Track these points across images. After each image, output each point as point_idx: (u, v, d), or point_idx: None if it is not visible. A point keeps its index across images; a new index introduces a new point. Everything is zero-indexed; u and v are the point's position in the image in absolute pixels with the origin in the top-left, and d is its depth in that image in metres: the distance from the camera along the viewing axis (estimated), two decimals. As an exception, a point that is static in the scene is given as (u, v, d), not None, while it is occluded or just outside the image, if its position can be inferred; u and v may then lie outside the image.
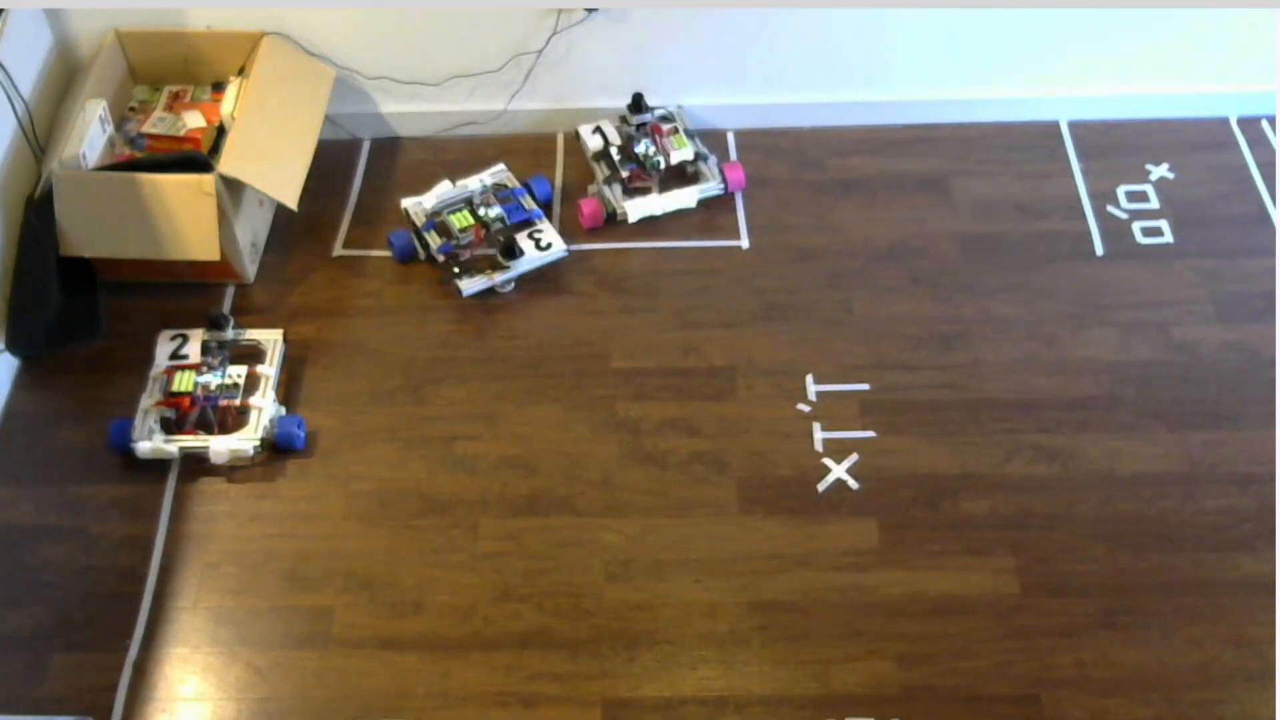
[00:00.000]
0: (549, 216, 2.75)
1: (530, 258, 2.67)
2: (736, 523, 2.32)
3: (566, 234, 2.80)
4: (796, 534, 2.30)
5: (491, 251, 2.66)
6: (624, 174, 2.84)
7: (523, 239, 2.68)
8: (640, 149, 2.84)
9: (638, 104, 2.90)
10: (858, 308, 2.66)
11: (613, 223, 2.83)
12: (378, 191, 2.95)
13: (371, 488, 2.39)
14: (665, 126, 2.91)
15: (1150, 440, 2.42)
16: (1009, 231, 2.81)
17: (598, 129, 2.93)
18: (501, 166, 2.85)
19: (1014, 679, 2.10)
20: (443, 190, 2.76)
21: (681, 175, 2.89)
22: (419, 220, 2.72)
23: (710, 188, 2.86)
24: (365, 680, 2.13)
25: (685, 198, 2.84)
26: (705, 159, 2.88)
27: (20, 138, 2.63)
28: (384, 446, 2.45)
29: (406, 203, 2.76)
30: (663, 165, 2.84)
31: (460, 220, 2.69)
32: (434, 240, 2.68)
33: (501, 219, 2.71)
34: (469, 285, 2.63)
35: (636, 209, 2.81)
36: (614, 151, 2.87)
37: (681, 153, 2.86)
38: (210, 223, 2.53)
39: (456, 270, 2.63)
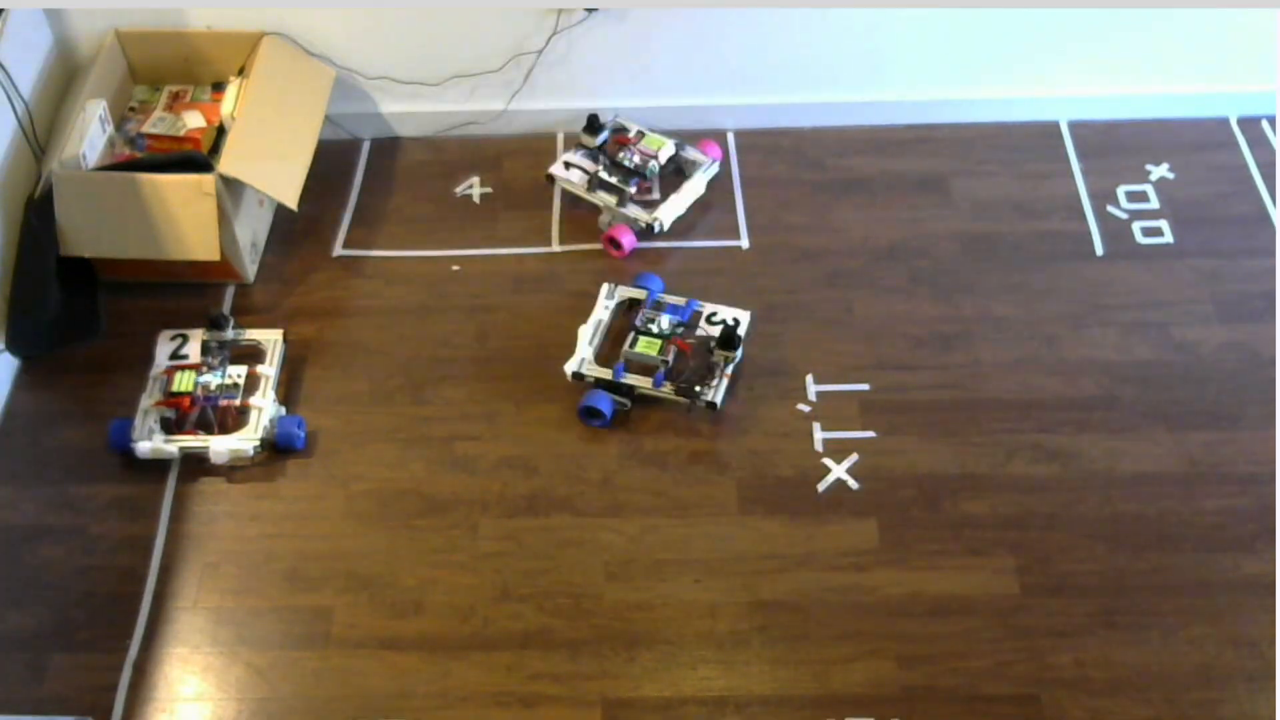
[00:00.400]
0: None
1: (741, 334, 2.50)
2: (736, 523, 2.32)
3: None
4: (796, 534, 2.30)
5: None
6: (632, 190, 2.80)
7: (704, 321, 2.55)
8: (629, 162, 2.82)
9: (593, 125, 2.86)
10: (858, 308, 2.66)
11: (647, 238, 2.79)
12: (378, 191, 2.95)
13: (371, 488, 2.39)
14: (629, 135, 2.88)
15: (1150, 440, 2.42)
16: (1009, 231, 2.81)
17: (567, 164, 2.85)
18: (606, 286, 2.62)
19: (1014, 679, 2.10)
20: (587, 334, 2.52)
21: (677, 166, 2.88)
22: (604, 373, 2.47)
23: (709, 167, 2.86)
24: (365, 680, 2.13)
25: (697, 186, 2.84)
26: (684, 147, 2.89)
27: (20, 138, 2.63)
28: (384, 446, 2.45)
29: (570, 366, 2.48)
30: (658, 168, 2.84)
31: (649, 346, 2.48)
32: (639, 380, 2.45)
33: (680, 325, 2.53)
34: (717, 393, 2.43)
35: (668, 214, 2.77)
36: (605, 175, 2.81)
37: (665, 150, 2.85)
38: (210, 223, 2.53)
39: (697, 389, 2.42)
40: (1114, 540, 2.27)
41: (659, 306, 2.58)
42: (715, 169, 2.88)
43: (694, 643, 2.16)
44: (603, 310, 2.59)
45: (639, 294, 2.62)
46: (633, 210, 2.78)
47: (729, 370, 2.47)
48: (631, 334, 2.53)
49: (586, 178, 2.82)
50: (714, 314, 2.56)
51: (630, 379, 2.46)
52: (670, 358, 2.48)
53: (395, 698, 2.11)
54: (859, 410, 2.48)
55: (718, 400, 2.43)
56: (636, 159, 2.82)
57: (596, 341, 2.54)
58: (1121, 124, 3.03)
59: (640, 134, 2.88)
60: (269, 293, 2.73)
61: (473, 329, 2.65)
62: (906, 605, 2.20)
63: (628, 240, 2.76)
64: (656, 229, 2.76)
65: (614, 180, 2.80)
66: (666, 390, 2.44)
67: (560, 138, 3.05)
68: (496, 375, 2.56)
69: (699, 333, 2.53)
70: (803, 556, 2.27)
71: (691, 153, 2.88)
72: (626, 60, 2.92)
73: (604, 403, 2.43)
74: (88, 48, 2.86)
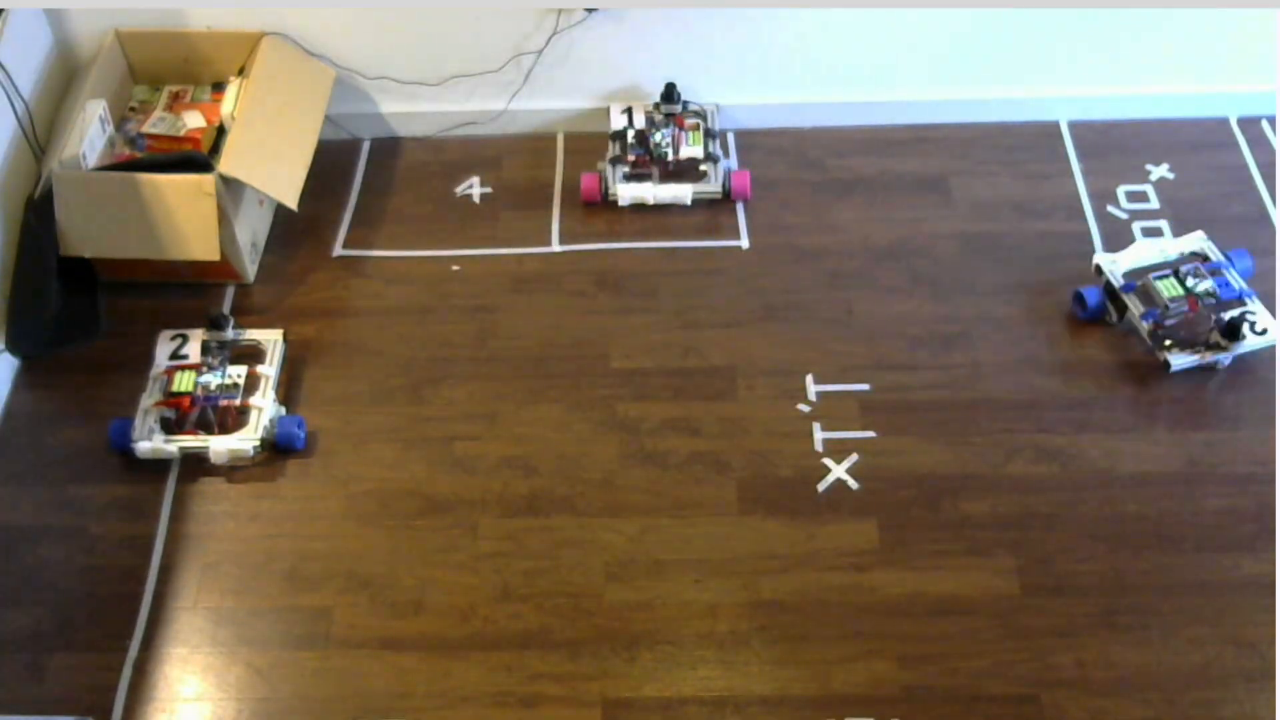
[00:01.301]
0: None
1: (1249, 341, 2.47)
2: (736, 523, 2.32)
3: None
4: (796, 534, 2.30)
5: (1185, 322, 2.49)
6: (630, 157, 2.86)
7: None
8: (655, 137, 2.86)
9: (670, 94, 2.91)
10: (858, 308, 2.66)
11: (607, 201, 2.85)
12: (378, 191, 2.95)
13: (371, 488, 2.39)
14: (690, 121, 2.92)
15: (1150, 440, 2.42)
16: (1009, 231, 2.80)
17: (628, 110, 2.94)
18: (1200, 234, 2.65)
19: (1014, 679, 2.10)
20: (1140, 251, 2.61)
21: (693, 171, 2.88)
22: (1116, 280, 2.56)
23: (708, 189, 2.86)
24: (365, 680, 2.13)
25: (680, 193, 2.84)
26: (716, 161, 2.88)
27: (20, 138, 2.63)
28: (384, 446, 2.45)
29: (1099, 258, 2.59)
30: (670, 157, 2.85)
31: (1169, 288, 2.52)
32: (1135, 305, 2.52)
33: (1213, 294, 2.52)
34: (1180, 360, 2.46)
35: (628, 193, 2.83)
36: (630, 134, 2.88)
37: (691, 149, 2.86)
38: (210, 223, 2.53)
39: (1169, 343, 2.47)
40: (1114, 540, 2.27)
41: (1215, 273, 2.56)
42: (714, 194, 2.86)
43: (694, 643, 2.16)
44: (1175, 248, 2.63)
45: (1212, 254, 2.61)
46: (612, 173, 2.85)
47: (1210, 357, 2.47)
48: (1167, 271, 2.56)
49: (621, 127, 2.91)
50: (1254, 315, 2.49)
51: (1130, 300, 2.53)
52: (1173, 311, 2.50)
53: (395, 698, 2.11)
54: (859, 410, 2.48)
55: (1174, 366, 2.46)
56: (663, 139, 2.86)
57: (1148, 262, 2.60)
58: (1121, 124, 3.03)
59: (696, 125, 2.91)
60: (269, 293, 2.73)
61: (473, 329, 2.65)
62: (906, 605, 2.20)
63: (587, 185, 2.85)
64: (611, 197, 2.84)
65: (629, 142, 2.87)
66: (1147, 327, 2.50)
67: (560, 138, 3.05)
68: (496, 375, 2.56)
69: (1222, 316, 2.50)
70: (803, 556, 2.27)
71: (714, 170, 2.87)
72: (626, 60, 2.92)
73: (1095, 296, 2.55)
74: (88, 48, 2.86)
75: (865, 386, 2.52)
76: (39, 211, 2.53)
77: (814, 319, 2.64)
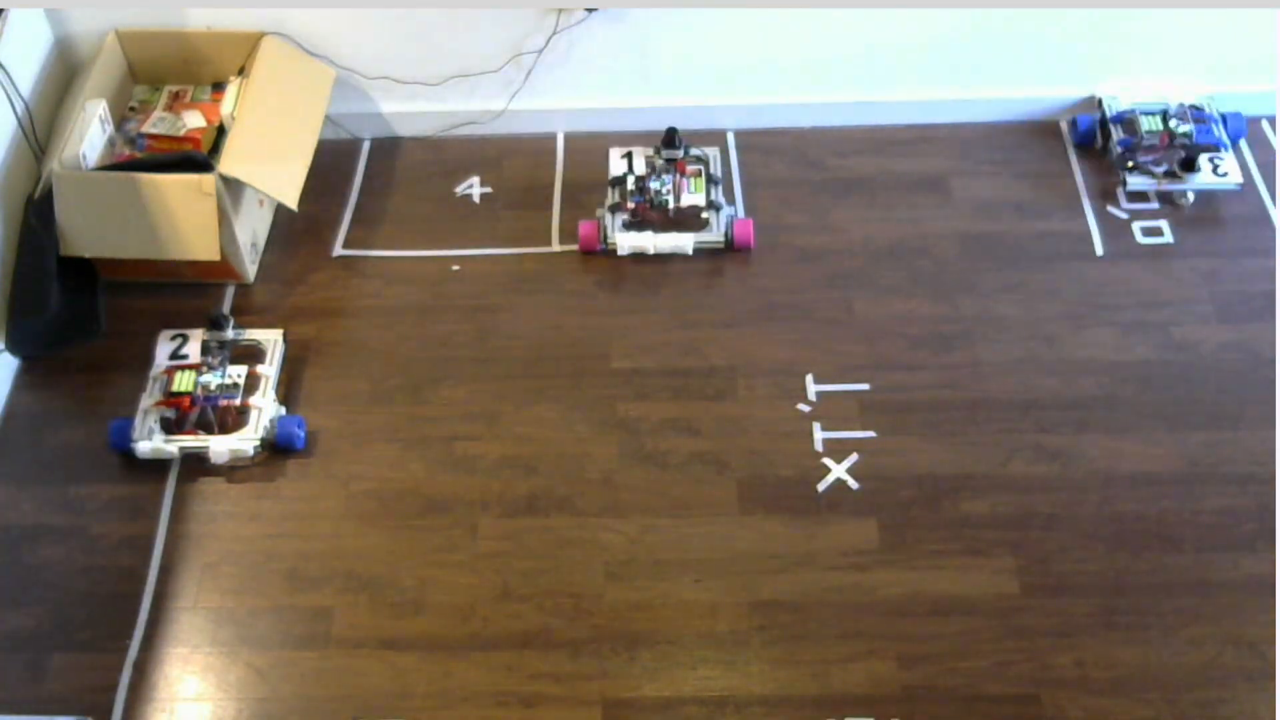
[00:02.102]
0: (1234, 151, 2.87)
1: (1203, 179, 2.77)
2: (736, 523, 2.32)
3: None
4: (796, 534, 2.30)
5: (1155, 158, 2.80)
6: (630, 205, 2.79)
7: (1204, 160, 2.80)
8: (655, 184, 2.80)
9: (670, 139, 2.85)
10: (858, 308, 2.66)
11: (606, 251, 2.77)
12: (378, 192, 2.95)
13: (371, 488, 2.39)
14: (691, 167, 2.85)
15: (1150, 440, 2.42)
16: (1009, 231, 2.81)
17: (628, 154, 2.87)
18: (1205, 90, 2.94)
19: (1014, 679, 2.11)
20: (1142, 92, 2.91)
21: (695, 219, 2.80)
22: (1109, 111, 2.89)
23: (710, 238, 2.77)
24: (365, 680, 2.13)
25: (681, 242, 2.75)
26: (718, 209, 2.81)
27: (20, 138, 2.63)
28: (384, 446, 2.45)
29: (1101, 91, 2.93)
30: (670, 205, 2.79)
31: (1150, 123, 2.84)
32: (1117, 132, 2.86)
33: (1189, 136, 2.82)
34: (1136, 180, 2.80)
35: (627, 242, 2.74)
36: (629, 181, 2.81)
37: (693, 197, 2.80)
38: (210, 223, 2.53)
39: (1131, 165, 2.80)
40: (1114, 540, 2.27)
41: (1199, 122, 2.86)
42: (716, 243, 2.77)
43: (694, 643, 2.17)
44: (1163, 96, 2.91)
45: (1210, 109, 2.90)
46: (611, 220, 2.78)
47: (1164, 185, 2.79)
48: (1157, 111, 2.89)
49: (621, 173, 2.84)
50: (1221, 160, 2.80)
51: (1114, 129, 2.88)
52: (1145, 141, 2.83)
53: (395, 698, 2.11)
54: (859, 410, 2.48)
55: (1129, 185, 2.81)
56: (662, 186, 2.80)
57: (1147, 106, 2.90)
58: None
59: (698, 172, 2.83)
60: (269, 293, 2.73)
61: (473, 329, 2.65)
62: (906, 605, 2.20)
63: (585, 233, 2.76)
64: (610, 247, 2.76)
65: (629, 189, 2.80)
66: (1118, 151, 2.84)
67: (560, 137, 3.05)
68: (496, 375, 2.56)
69: (1188, 141, 2.82)
70: (803, 556, 2.27)
71: (716, 218, 2.79)
72: (626, 60, 2.92)
73: (1086, 122, 2.91)
74: (88, 48, 2.86)
75: (865, 386, 2.52)
76: (39, 211, 2.53)
77: (814, 319, 2.65)
